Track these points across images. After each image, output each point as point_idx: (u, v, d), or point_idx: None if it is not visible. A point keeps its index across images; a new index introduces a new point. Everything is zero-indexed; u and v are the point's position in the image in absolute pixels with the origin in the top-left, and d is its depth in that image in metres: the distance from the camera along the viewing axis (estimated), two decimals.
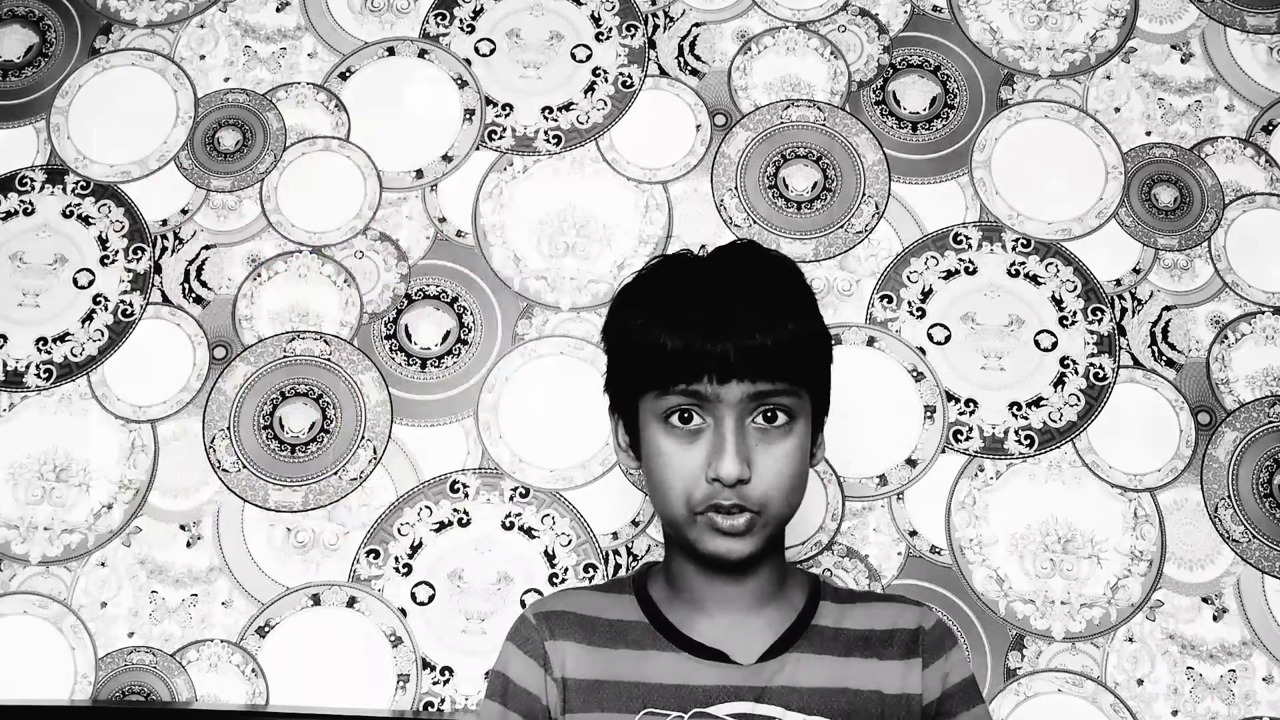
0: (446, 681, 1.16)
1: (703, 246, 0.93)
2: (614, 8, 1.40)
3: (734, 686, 0.80)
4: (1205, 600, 1.17)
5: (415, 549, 1.20)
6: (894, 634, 0.85)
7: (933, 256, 1.29)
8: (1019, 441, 1.23)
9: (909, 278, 1.29)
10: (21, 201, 1.33)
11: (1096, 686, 1.15)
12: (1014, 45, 1.38)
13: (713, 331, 0.79)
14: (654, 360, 0.81)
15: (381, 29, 1.39)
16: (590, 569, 1.19)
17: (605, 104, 1.36)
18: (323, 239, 1.31)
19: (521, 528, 1.20)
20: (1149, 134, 1.34)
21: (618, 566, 1.19)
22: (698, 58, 1.37)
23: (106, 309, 1.28)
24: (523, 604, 1.17)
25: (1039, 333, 1.26)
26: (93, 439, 1.24)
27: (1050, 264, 1.29)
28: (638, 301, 0.86)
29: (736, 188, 1.32)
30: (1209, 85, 1.36)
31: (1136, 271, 1.29)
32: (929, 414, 1.24)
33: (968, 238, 1.30)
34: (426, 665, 1.16)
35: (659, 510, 0.84)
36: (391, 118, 1.35)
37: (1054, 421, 1.23)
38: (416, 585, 1.19)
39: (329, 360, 1.26)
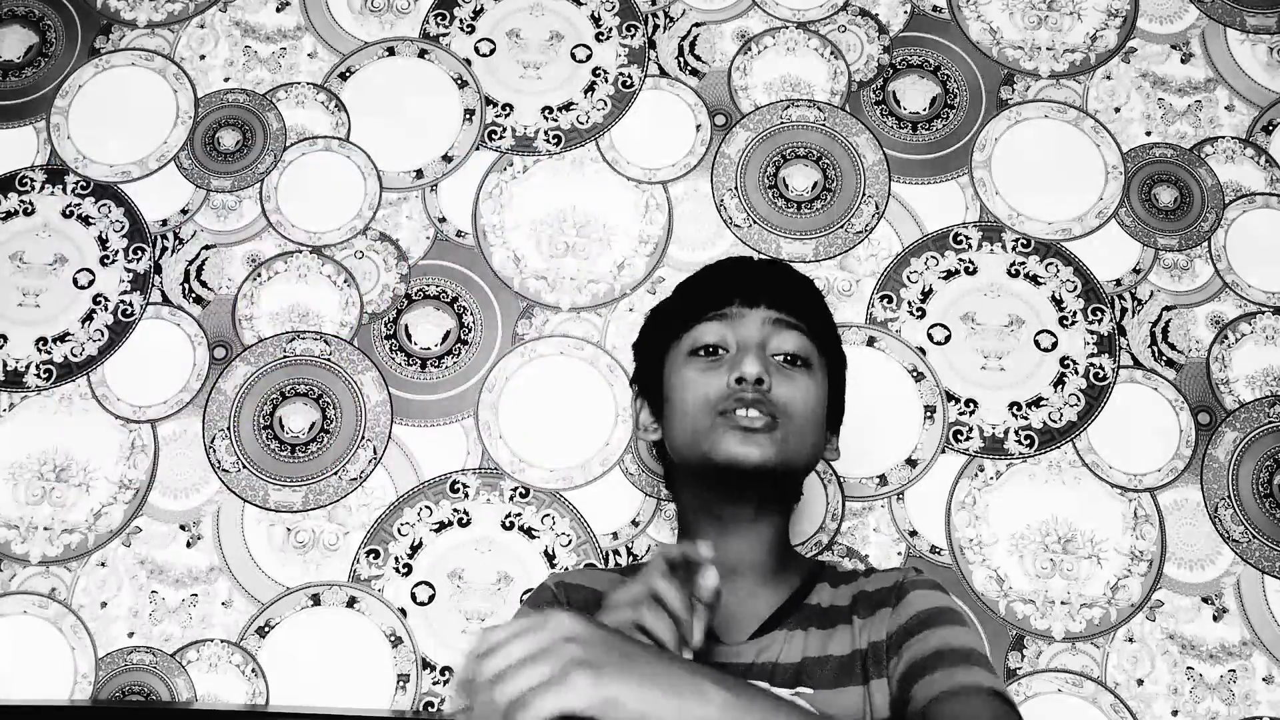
0: (446, 681, 1.16)
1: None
2: (614, 8, 1.40)
3: (721, 664, 0.82)
4: (1205, 600, 1.17)
5: (415, 549, 1.20)
6: (874, 594, 0.86)
7: (933, 256, 1.29)
8: (1019, 441, 1.23)
9: (909, 278, 1.29)
10: (21, 201, 1.33)
11: (1096, 686, 1.15)
12: (1014, 45, 1.38)
13: (742, 270, 0.95)
14: (687, 302, 0.93)
15: (381, 29, 1.39)
16: (590, 569, 1.19)
17: (605, 104, 1.36)
18: (323, 239, 1.31)
19: (521, 528, 1.20)
20: (1149, 134, 1.34)
21: (617, 566, 1.19)
22: (698, 58, 1.37)
23: (106, 309, 1.28)
24: (522, 602, 1.16)
25: (1039, 333, 1.26)
26: (93, 439, 1.24)
27: (1050, 264, 1.29)
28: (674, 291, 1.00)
29: (736, 188, 1.32)
30: (1209, 85, 1.36)
31: (1136, 271, 1.29)
32: (929, 414, 1.24)
33: (968, 238, 1.30)
34: (426, 665, 1.16)
35: (679, 441, 0.88)
36: (391, 118, 1.35)
37: (1054, 421, 1.23)
38: (416, 585, 1.19)
39: (329, 360, 1.26)
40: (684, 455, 0.88)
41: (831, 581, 0.89)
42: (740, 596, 0.86)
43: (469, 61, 1.38)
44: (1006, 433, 1.23)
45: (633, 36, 1.38)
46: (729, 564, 0.87)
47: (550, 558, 1.19)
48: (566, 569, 1.18)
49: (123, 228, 1.31)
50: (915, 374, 1.25)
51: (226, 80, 1.37)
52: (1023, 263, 1.29)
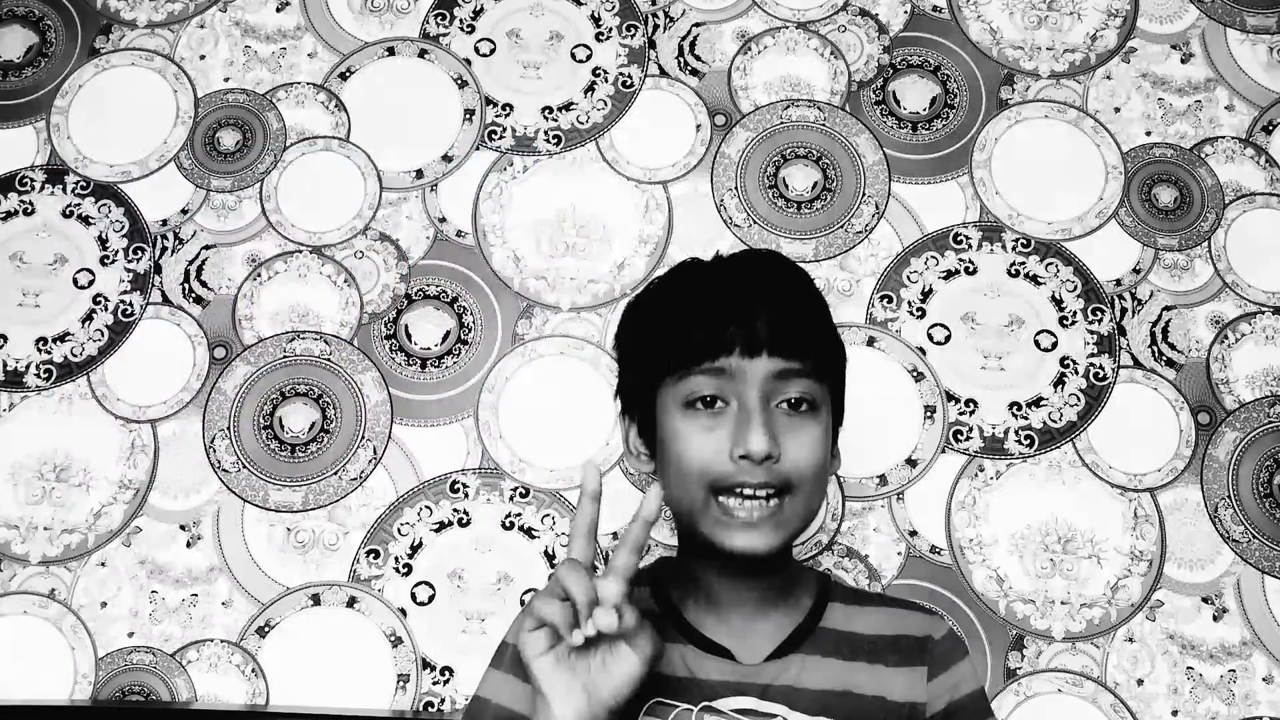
0: (446, 681, 1.16)
1: (717, 253, 0.89)
2: (614, 8, 1.40)
3: (737, 683, 0.80)
4: (1205, 600, 1.17)
5: (415, 549, 1.20)
6: (901, 640, 0.84)
7: (933, 256, 1.29)
8: (1019, 441, 1.23)
9: (909, 278, 1.29)
10: (21, 201, 1.33)
11: (1096, 686, 1.15)
12: (1014, 45, 1.38)
13: (739, 307, 0.80)
14: (677, 340, 0.80)
15: (381, 29, 1.39)
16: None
17: (605, 104, 1.36)
18: (323, 239, 1.31)
19: (521, 528, 1.20)
20: (1149, 134, 1.34)
21: None
22: (698, 58, 1.37)
23: (106, 309, 1.28)
24: (522, 604, 1.17)
25: (1039, 333, 1.26)
26: (93, 439, 1.24)
27: (1050, 264, 1.29)
28: (657, 297, 0.87)
29: (736, 188, 1.32)
30: (1209, 85, 1.36)
31: (1136, 271, 1.29)
32: (929, 414, 1.24)
33: (968, 238, 1.30)
34: (426, 665, 1.16)
35: (674, 505, 0.82)
36: (391, 118, 1.35)
37: (1054, 421, 1.23)
38: (416, 585, 1.19)
39: (329, 360, 1.26)
40: (680, 519, 0.84)
41: (842, 600, 0.87)
42: (749, 621, 0.84)
43: (469, 61, 1.38)
44: (1006, 433, 1.23)
45: (633, 36, 1.38)
46: (734, 595, 0.84)
47: (550, 558, 1.19)
48: None
49: (123, 228, 1.31)
50: (915, 374, 1.25)
51: (226, 80, 1.37)
52: (1023, 263, 1.29)
